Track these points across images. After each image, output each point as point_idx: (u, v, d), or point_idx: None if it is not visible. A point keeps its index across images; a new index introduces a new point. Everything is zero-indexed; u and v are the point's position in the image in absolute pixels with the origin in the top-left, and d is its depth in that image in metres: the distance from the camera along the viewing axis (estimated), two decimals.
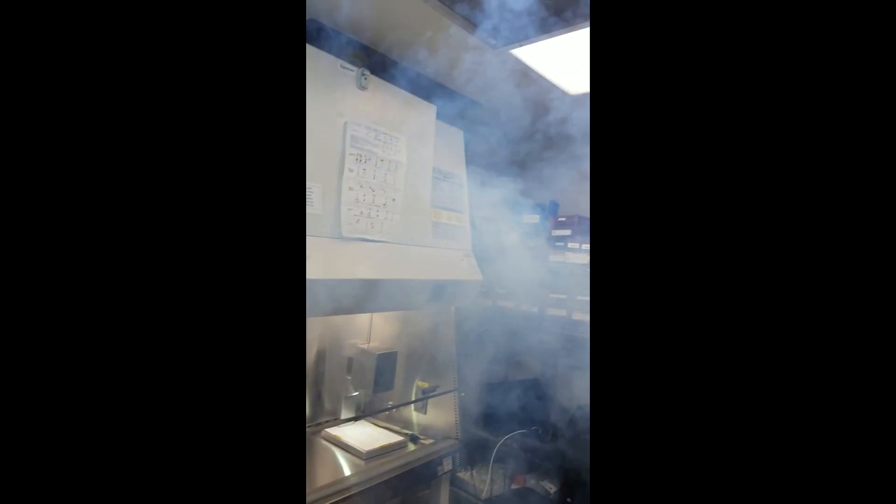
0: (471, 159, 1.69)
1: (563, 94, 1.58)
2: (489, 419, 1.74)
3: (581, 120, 1.84)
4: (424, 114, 1.41)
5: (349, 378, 1.59)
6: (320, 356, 1.68)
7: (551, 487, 1.70)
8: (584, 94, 1.59)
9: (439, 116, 1.47)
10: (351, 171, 1.16)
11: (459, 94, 1.62)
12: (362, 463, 1.34)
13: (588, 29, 1.16)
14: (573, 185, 2.06)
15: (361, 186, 1.19)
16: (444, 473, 1.48)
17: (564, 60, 1.38)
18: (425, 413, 1.63)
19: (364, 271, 1.17)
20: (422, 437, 1.54)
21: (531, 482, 1.74)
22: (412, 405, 1.65)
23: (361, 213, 1.18)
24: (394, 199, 1.28)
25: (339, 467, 1.32)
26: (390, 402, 1.64)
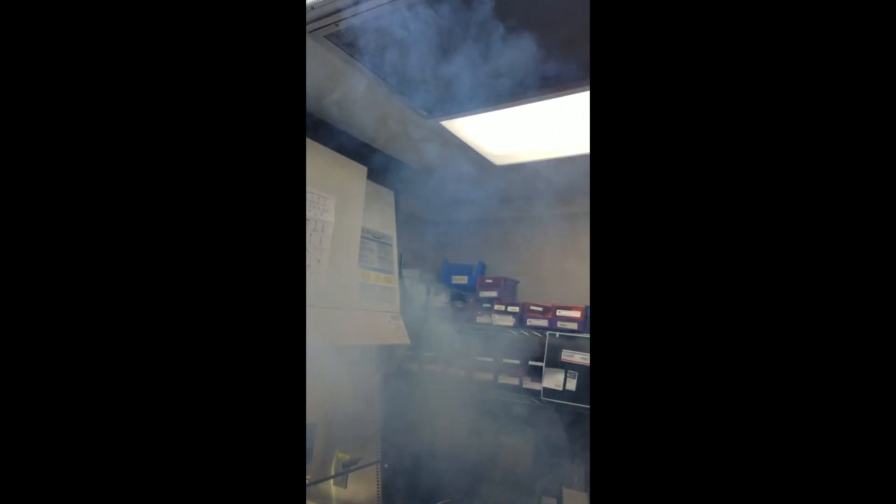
0: (401, 220, 1.71)
1: (490, 164, 1.68)
2: (413, 491, 1.65)
3: (503, 188, 1.95)
4: (355, 174, 1.42)
5: None
6: None
7: None
8: (509, 164, 1.70)
9: (370, 177, 1.49)
10: None
11: (392, 157, 1.66)
12: None
13: (520, 106, 1.26)
14: (498, 249, 2.15)
15: None
16: None
17: (493, 134, 1.48)
18: (345, 487, 1.51)
19: None
20: None
21: None
22: (331, 480, 1.53)
23: None
24: (318, 261, 1.24)
25: None
26: (308, 477, 1.50)
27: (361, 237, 1.44)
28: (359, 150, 1.46)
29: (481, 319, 1.83)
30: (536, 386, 1.64)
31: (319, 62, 1.10)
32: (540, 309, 1.70)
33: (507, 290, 1.86)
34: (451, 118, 1.36)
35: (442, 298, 1.97)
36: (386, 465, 1.50)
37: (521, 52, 1.05)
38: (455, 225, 2.16)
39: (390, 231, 1.63)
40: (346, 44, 1.04)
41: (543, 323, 1.68)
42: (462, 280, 1.97)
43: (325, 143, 1.33)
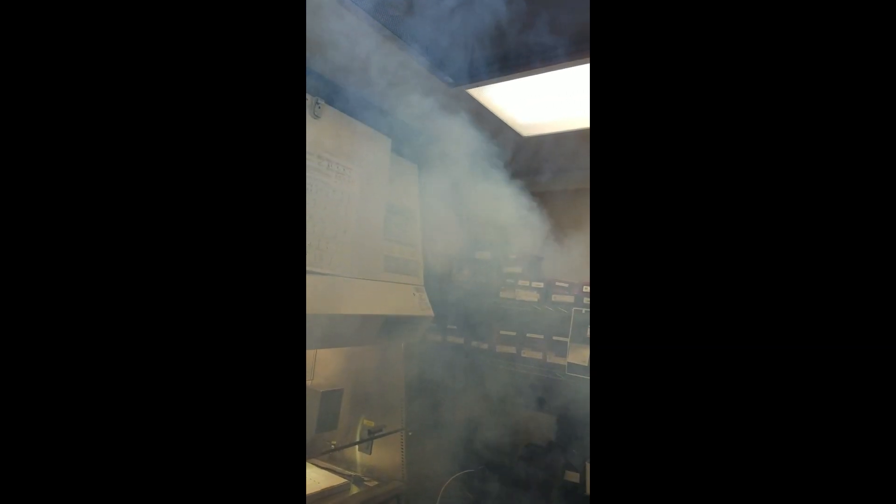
0: (425, 194, 1.70)
1: (517, 134, 1.63)
2: (435, 459, 1.69)
3: (532, 160, 1.91)
4: (379, 146, 1.41)
5: None
6: None
7: None
8: (536, 135, 1.66)
9: (394, 150, 1.47)
10: None
11: (415, 129, 1.64)
12: None
13: (546, 73, 1.22)
14: (524, 224, 2.12)
15: (310, 217, 1.15)
16: None
17: (520, 102, 1.44)
18: (370, 453, 1.56)
19: (310, 306, 1.12)
20: (366, 478, 1.47)
21: None
22: (356, 446, 1.58)
23: (310, 244, 1.15)
24: (344, 231, 1.25)
25: None
26: (333, 443, 1.55)
27: (386, 210, 1.44)
28: (382, 121, 1.44)
29: (505, 294, 1.82)
30: (560, 361, 1.63)
31: (343, 28, 1.08)
32: (566, 285, 1.68)
33: (532, 266, 1.84)
34: (477, 86, 1.32)
35: (465, 273, 1.97)
36: (410, 434, 1.53)
37: (549, 15, 1.00)
38: (481, 198, 2.13)
39: (414, 205, 1.63)
40: (372, 8, 1.02)
41: (570, 299, 1.66)
42: (486, 256, 1.96)
43: (348, 113, 1.32)
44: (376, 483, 1.45)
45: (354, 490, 1.40)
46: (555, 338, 1.69)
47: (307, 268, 1.14)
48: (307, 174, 1.16)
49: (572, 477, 1.49)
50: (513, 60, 1.21)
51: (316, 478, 1.42)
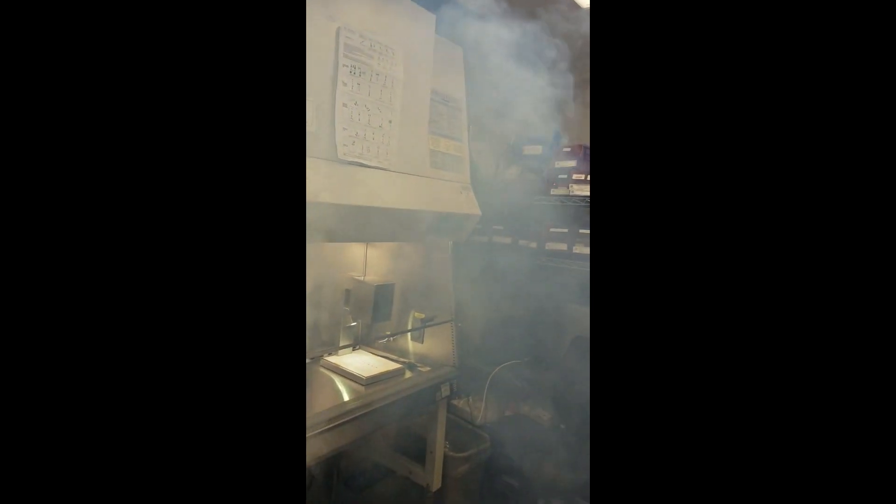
0: (471, 82, 1.58)
1: (577, 7, 1.44)
2: (485, 349, 1.77)
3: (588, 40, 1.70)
4: (423, 24, 1.28)
5: (347, 309, 1.58)
6: (316, 288, 1.66)
7: (544, 414, 1.76)
8: None
9: (439, 31, 1.34)
10: (345, 84, 1.06)
11: (461, 5, 1.47)
12: (362, 388, 1.36)
13: None
14: (578, 113, 1.96)
15: (356, 104, 1.10)
16: (442, 399, 1.52)
17: None
18: (422, 343, 1.64)
19: (359, 198, 1.11)
20: (419, 365, 1.56)
21: (525, 409, 1.80)
22: (409, 336, 1.66)
23: (357, 134, 1.10)
24: (390, 121, 1.19)
25: (338, 393, 1.33)
26: (388, 333, 1.65)
27: (431, 99, 1.35)
28: None
29: (556, 192, 1.75)
30: None
31: None
32: None
33: (587, 159, 1.73)
34: None
35: (513, 171, 1.89)
36: (460, 325, 1.59)
37: None
38: (530, 89, 1.97)
39: (460, 93, 1.52)
40: None
41: None
42: (536, 151, 1.85)
43: None
44: (429, 369, 1.55)
45: (408, 374, 1.50)
46: None
47: (356, 159, 1.11)
48: (352, 54, 1.08)
49: None
50: None
51: (373, 363, 1.52)
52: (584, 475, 1.35)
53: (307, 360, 1.55)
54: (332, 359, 1.53)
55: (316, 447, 1.12)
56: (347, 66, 1.07)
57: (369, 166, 1.14)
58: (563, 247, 1.73)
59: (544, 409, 1.76)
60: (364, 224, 1.16)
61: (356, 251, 1.70)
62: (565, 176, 1.72)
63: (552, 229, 1.78)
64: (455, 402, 1.75)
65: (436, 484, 1.57)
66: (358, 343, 1.65)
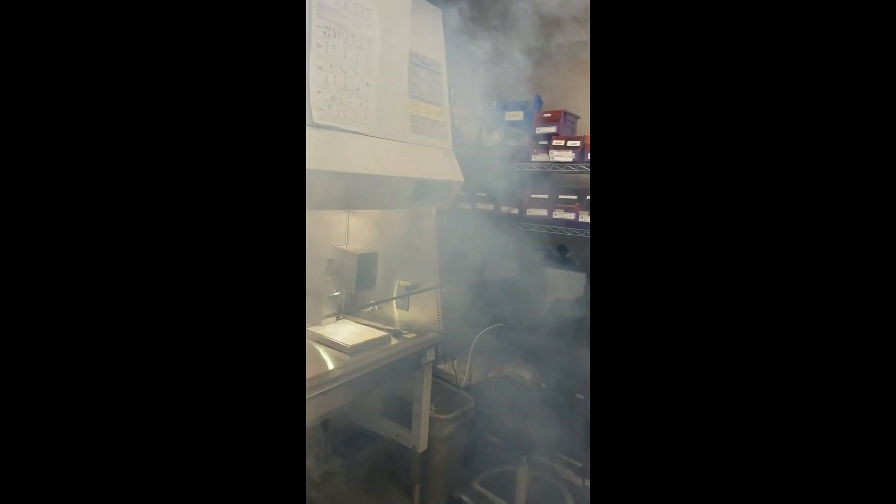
0: (449, 46, 1.54)
1: None
2: (469, 315, 1.80)
3: (571, 4, 1.67)
4: None
5: (329, 279, 1.58)
6: None
7: (526, 375, 1.81)
8: None
9: None
10: (319, 46, 1.03)
11: None
12: (347, 357, 1.37)
13: None
14: (559, 79, 1.94)
15: (332, 66, 1.06)
16: (428, 363, 1.55)
17: None
18: (407, 310, 1.66)
19: (339, 164, 1.09)
20: (404, 331, 1.59)
21: (507, 370, 1.86)
22: (394, 303, 1.68)
23: (333, 97, 1.07)
24: (367, 84, 1.16)
25: (323, 362, 1.35)
26: (372, 301, 1.65)
27: (409, 62, 1.32)
28: None
29: (537, 158, 1.75)
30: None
31: None
32: None
33: (567, 125, 1.72)
34: None
35: (495, 136, 1.87)
36: (444, 291, 1.61)
37: None
38: (508, 55, 1.93)
39: (439, 56, 1.48)
40: None
41: None
42: (517, 116, 1.84)
43: None
44: (414, 335, 1.57)
45: (394, 341, 1.52)
46: (588, 197, 1.65)
47: (333, 123, 1.08)
48: (326, 15, 1.03)
49: None
50: None
51: (358, 332, 1.54)
52: (565, 431, 1.41)
53: None
54: (316, 329, 1.54)
55: None
56: (321, 27, 1.03)
57: (347, 131, 1.12)
58: (544, 212, 1.74)
59: (526, 369, 1.82)
60: (344, 191, 1.14)
61: (338, 220, 1.68)
62: (545, 142, 1.71)
63: (533, 196, 1.78)
64: (440, 366, 1.79)
65: (422, 445, 1.62)
66: (342, 312, 1.66)
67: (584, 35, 1.86)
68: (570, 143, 1.65)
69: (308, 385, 1.16)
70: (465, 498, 1.69)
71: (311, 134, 1.03)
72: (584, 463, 1.67)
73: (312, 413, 1.17)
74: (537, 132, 1.76)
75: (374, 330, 1.56)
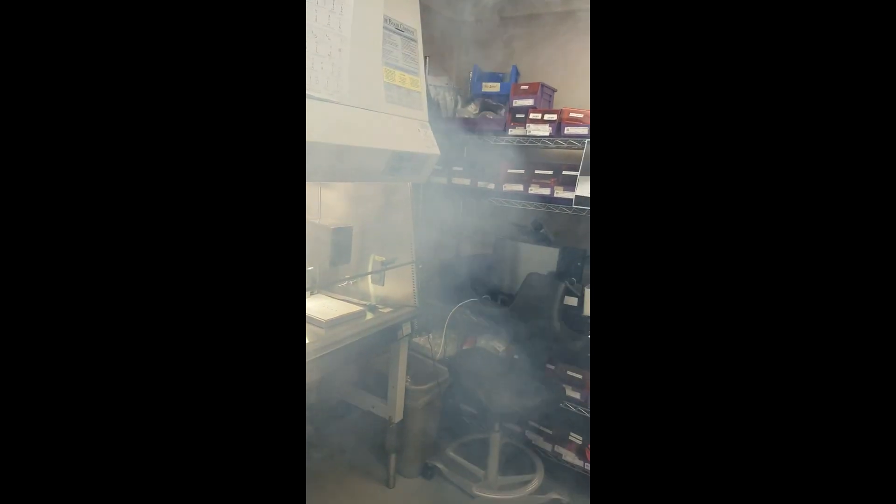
0: (424, 16, 1.48)
1: None
2: (443, 289, 1.81)
3: None
4: None
5: None
6: None
7: (500, 346, 1.85)
8: None
9: None
10: None
11: None
12: (322, 331, 1.36)
13: None
14: (535, 50, 1.91)
15: None
16: (404, 337, 1.56)
17: None
18: (383, 285, 1.65)
19: (309, 133, 1.05)
20: (380, 306, 1.58)
21: (482, 343, 1.89)
22: (370, 279, 1.67)
23: None
24: (340, 50, 1.11)
25: None
26: (347, 276, 1.64)
27: (383, 27, 1.27)
28: None
29: (514, 132, 1.73)
30: (569, 195, 1.62)
31: None
32: (580, 115, 1.58)
33: (545, 98, 1.71)
34: None
35: (471, 109, 1.84)
36: (420, 266, 1.61)
37: None
38: (485, 24, 1.89)
39: (414, 23, 1.43)
40: None
41: (583, 131, 1.57)
42: (494, 88, 1.81)
43: None
44: (390, 310, 1.57)
45: (369, 316, 1.52)
46: (564, 172, 1.66)
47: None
48: None
49: (570, 301, 1.61)
50: None
51: (333, 306, 1.52)
52: (535, 400, 1.45)
53: None
54: None
55: None
56: None
57: (318, 98, 1.08)
58: (520, 188, 1.74)
59: (499, 341, 1.86)
60: (316, 163, 1.11)
61: (310, 193, 1.64)
62: (522, 115, 1.70)
63: (509, 170, 1.78)
64: (416, 339, 1.80)
65: (398, 416, 1.65)
66: (316, 287, 1.64)
67: (561, 6, 1.82)
68: (546, 117, 1.64)
69: None
70: (439, 465, 1.74)
71: None
72: (553, 430, 1.74)
73: None
74: (514, 104, 1.74)
75: (350, 304, 1.55)
